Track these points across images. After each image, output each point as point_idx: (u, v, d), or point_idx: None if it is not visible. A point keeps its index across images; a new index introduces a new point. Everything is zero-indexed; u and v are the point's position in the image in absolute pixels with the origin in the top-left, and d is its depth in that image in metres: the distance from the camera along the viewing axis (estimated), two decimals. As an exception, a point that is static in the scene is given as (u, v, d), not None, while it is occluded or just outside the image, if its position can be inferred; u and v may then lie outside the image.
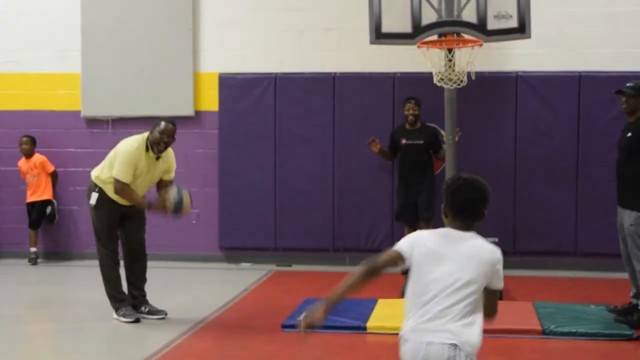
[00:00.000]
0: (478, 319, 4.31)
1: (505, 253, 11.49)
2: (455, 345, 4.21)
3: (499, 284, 4.42)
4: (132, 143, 8.48)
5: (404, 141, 11.08)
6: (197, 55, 12.15)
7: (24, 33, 12.39)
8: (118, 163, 8.37)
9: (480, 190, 4.62)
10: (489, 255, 4.42)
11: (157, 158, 8.58)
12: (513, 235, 11.47)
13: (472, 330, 4.27)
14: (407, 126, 11.11)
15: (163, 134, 8.44)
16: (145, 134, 8.56)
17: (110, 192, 8.47)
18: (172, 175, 8.88)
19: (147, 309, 8.71)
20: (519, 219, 11.48)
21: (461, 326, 4.24)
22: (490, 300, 4.40)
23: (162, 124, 8.50)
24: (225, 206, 12.03)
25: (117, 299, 8.62)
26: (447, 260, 4.37)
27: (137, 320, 8.48)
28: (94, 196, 8.49)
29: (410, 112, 11.02)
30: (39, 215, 12.21)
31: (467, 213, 4.52)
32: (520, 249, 11.49)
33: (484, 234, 12.14)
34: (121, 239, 8.75)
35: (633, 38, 11.40)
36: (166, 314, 8.69)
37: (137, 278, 8.78)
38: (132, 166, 8.36)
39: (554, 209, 11.46)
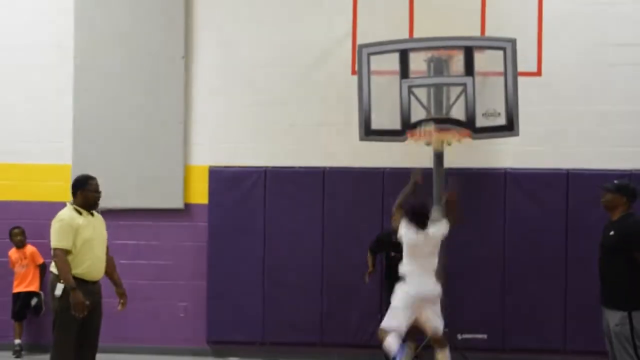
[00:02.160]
0: None
1: (494, 350, 11.41)
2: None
3: None
4: (61, 214, 8.50)
5: (392, 254, 10.99)
6: (187, 148, 12.22)
7: (15, 124, 12.45)
8: (53, 233, 8.37)
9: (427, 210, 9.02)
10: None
11: (92, 215, 8.63)
12: (502, 332, 11.40)
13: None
14: (394, 239, 11.04)
15: (97, 191, 8.64)
16: (68, 206, 8.59)
17: (77, 271, 8.30)
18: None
19: None
20: (508, 315, 11.43)
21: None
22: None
23: (89, 182, 8.62)
24: (214, 299, 11.95)
25: None
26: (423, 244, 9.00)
27: None
28: (59, 287, 8.26)
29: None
30: (23, 307, 12.11)
31: (421, 222, 8.94)
32: (509, 346, 11.40)
33: (473, 330, 12.11)
34: (79, 329, 8.41)
35: (620, 136, 11.53)
36: None
37: None
38: (68, 232, 8.30)
39: (542, 305, 11.42)
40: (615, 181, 8.44)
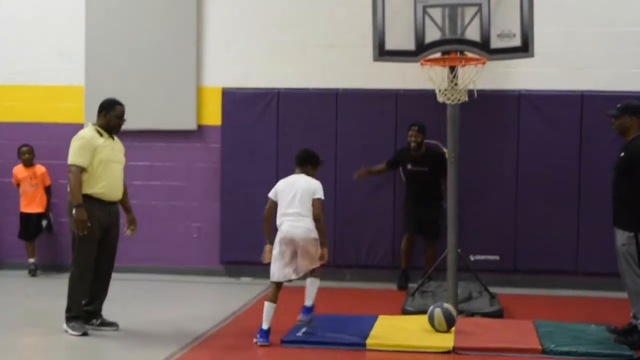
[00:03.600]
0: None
1: (506, 271, 11.46)
2: (309, 229, 8.15)
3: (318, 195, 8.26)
4: (82, 132, 8.59)
5: (409, 167, 11.28)
6: (200, 69, 12.18)
7: (27, 45, 12.44)
8: (72, 150, 8.45)
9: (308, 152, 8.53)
10: (310, 185, 8.24)
11: (113, 138, 8.73)
12: (514, 254, 11.46)
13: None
14: (412, 151, 11.24)
15: (121, 117, 8.71)
16: (90, 126, 8.67)
17: (94, 190, 8.41)
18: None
19: (98, 322, 8.68)
20: (520, 237, 11.47)
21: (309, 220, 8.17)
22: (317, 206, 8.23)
23: (115, 107, 8.70)
24: (227, 220, 12.04)
25: (78, 312, 8.50)
26: (293, 190, 8.23)
27: (85, 334, 8.38)
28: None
29: (413, 138, 11.18)
30: (35, 229, 12.25)
31: (300, 164, 8.45)
32: (521, 268, 11.49)
33: (485, 251, 12.16)
34: (97, 247, 8.59)
35: (635, 58, 11.42)
36: (118, 326, 8.70)
37: (102, 291, 8.74)
38: (87, 150, 8.39)
39: (555, 227, 11.45)
40: (618, 105, 8.41)
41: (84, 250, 8.46)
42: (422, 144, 11.19)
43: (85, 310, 8.63)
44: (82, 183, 8.37)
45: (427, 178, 11.19)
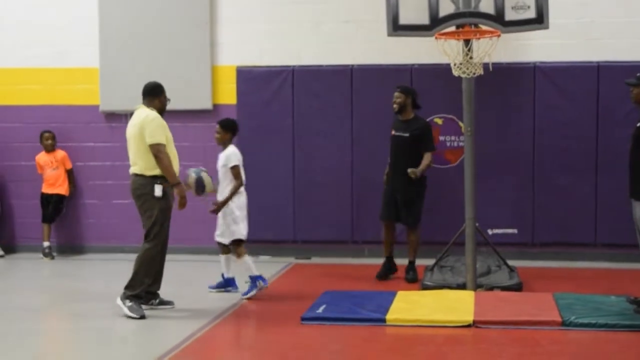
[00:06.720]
0: None
1: (524, 244, 11.40)
2: None
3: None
4: (151, 113, 8.61)
5: (392, 132, 10.33)
6: (214, 48, 12.16)
7: (42, 29, 12.43)
8: (152, 129, 8.46)
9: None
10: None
11: None
12: (532, 227, 11.45)
13: None
14: (399, 117, 10.33)
15: (167, 97, 8.84)
16: (146, 108, 8.68)
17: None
18: None
19: (157, 301, 8.80)
20: (538, 210, 11.45)
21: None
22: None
23: (163, 89, 8.81)
24: (244, 199, 12.05)
25: (141, 292, 8.57)
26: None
27: (142, 317, 8.39)
28: (159, 188, 8.45)
29: (393, 99, 10.25)
30: (55, 211, 12.30)
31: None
32: (539, 240, 11.47)
33: (503, 225, 12.11)
34: None
35: (651, 27, 11.37)
36: (174, 304, 8.85)
37: (162, 270, 8.85)
38: (164, 129, 8.53)
39: (573, 199, 11.42)
40: (638, 74, 8.35)
41: (164, 230, 8.62)
42: (406, 109, 10.22)
43: (148, 291, 8.72)
44: (170, 157, 8.48)
45: (405, 145, 10.13)
